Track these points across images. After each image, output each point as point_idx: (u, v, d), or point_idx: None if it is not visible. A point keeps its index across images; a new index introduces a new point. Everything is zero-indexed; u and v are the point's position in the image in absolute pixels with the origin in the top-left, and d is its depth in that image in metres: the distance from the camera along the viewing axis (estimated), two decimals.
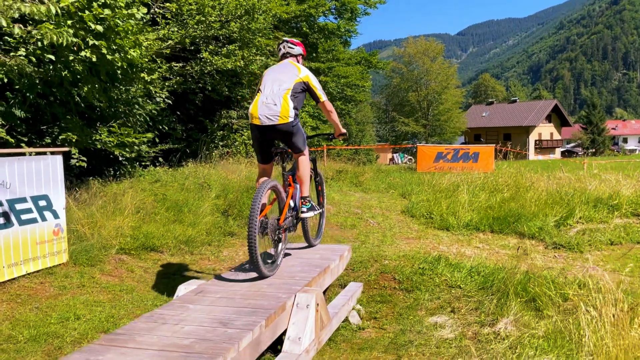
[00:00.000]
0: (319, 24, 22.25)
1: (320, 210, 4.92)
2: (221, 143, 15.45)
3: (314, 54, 22.65)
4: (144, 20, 9.05)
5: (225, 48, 13.49)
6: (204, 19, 13.06)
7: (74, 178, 8.99)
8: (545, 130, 59.45)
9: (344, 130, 4.90)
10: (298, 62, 4.67)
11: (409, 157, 46.24)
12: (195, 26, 13.19)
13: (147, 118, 11.51)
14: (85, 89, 7.19)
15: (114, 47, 7.02)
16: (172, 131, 15.01)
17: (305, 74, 4.44)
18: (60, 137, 7.22)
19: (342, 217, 8.24)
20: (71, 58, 6.75)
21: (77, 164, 7.15)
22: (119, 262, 5.44)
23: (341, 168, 16.63)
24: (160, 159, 13.89)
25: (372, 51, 28.36)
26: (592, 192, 8.63)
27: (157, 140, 13.81)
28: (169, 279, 5.35)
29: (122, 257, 5.57)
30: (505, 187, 9.25)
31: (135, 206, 7.12)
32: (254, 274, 4.07)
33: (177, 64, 13.72)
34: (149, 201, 7.67)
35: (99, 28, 6.55)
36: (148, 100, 11.44)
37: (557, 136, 61.08)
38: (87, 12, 6.36)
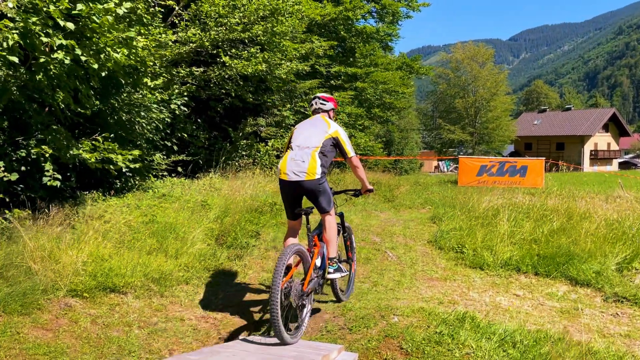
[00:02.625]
0: (357, 27, 21.08)
1: (347, 273, 4.79)
2: (244, 153, 14.51)
3: (351, 59, 21.51)
4: (143, 19, 8.16)
5: (245, 51, 12.54)
6: (225, 20, 12.18)
7: (70, 191, 8.21)
8: (602, 140, 56.11)
9: (370, 187, 5.02)
10: (330, 117, 4.76)
11: (455, 165, 44.40)
12: (216, 29, 12.32)
13: (161, 126, 10.70)
14: (62, 95, 6.30)
15: (94, 48, 6.09)
16: (194, 139, 14.21)
17: (334, 129, 4.52)
18: (32, 151, 6.34)
19: (357, 247, 7.05)
20: (42, 60, 5.85)
21: (49, 183, 6.23)
22: (63, 309, 4.44)
23: (375, 180, 15.39)
24: (180, 169, 13.10)
25: (414, 56, 26.97)
26: None
27: (175, 148, 13.02)
28: (121, 333, 4.31)
29: (71, 301, 4.57)
30: (555, 214, 7.83)
31: (115, 230, 6.18)
32: None
33: (197, 69, 12.88)
34: (135, 224, 6.72)
35: (70, 25, 5.62)
36: (162, 108, 10.62)
37: (614, 146, 57.57)
38: (52, 6, 5.45)
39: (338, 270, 4.48)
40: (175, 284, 5.32)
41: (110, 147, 6.75)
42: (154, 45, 7.62)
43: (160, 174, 12.21)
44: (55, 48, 5.81)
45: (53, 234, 5.23)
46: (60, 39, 5.58)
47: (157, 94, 9.22)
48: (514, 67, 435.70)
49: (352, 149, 4.62)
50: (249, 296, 5.33)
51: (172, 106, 11.32)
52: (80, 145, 6.72)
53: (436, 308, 4.79)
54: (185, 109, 11.81)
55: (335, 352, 3.79)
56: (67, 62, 5.80)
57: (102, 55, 6.36)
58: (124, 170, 9.36)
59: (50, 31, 5.59)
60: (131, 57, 7.23)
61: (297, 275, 4.33)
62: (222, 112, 15.00)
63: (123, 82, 8.65)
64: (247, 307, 5.06)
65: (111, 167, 7.01)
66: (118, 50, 6.44)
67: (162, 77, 8.96)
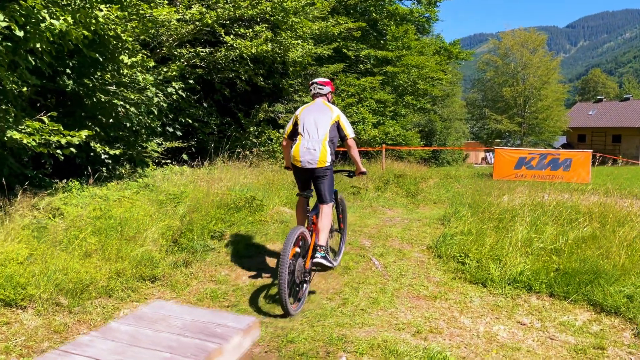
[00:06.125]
0: (389, 8, 19.73)
1: (333, 265, 4.83)
2: (255, 140, 13.60)
3: (382, 42, 20.19)
4: None
5: (251, 30, 11.57)
6: None
7: (47, 180, 7.55)
8: None
9: (364, 170, 5.37)
10: (328, 100, 5.20)
11: None
12: (222, 6, 11.41)
13: (155, 111, 9.92)
14: None
15: (21, 12, 5.22)
16: (202, 125, 13.42)
17: (336, 114, 4.96)
18: None
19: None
20: None
21: None
22: None
23: (400, 171, 14.16)
24: (185, 156, 12.36)
25: (453, 40, 25.31)
26: None
27: (178, 134, 12.29)
28: None
29: None
30: (587, 218, 6.50)
31: (55, 227, 5.34)
32: None
33: (203, 50, 12.03)
34: (86, 219, 5.86)
35: None
36: (157, 92, 9.82)
37: None
38: None
39: (325, 258, 4.65)
40: (94, 296, 4.40)
41: (56, 127, 5.86)
42: (116, 15, 6.68)
43: (164, 161, 11.45)
44: None
45: None
46: None
47: (138, 74, 8.34)
48: (570, 55, 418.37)
49: (351, 130, 5.01)
50: None
51: (170, 90, 10.51)
52: (22, 128, 5.87)
53: (404, 342, 3.67)
54: (183, 94, 10.97)
55: (237, 337, 2.65)
56: None
57: (42, 25, 5.50)
58: (103, 157, 8.62)
59: None
60: (91, 27, 6.36)
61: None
62: (234, 97, 14.14)
63: (101, 59, 7.87)
64: None
65: (58, 152, 6.15)
66: (60, 17, 5.56)
67: (140, 55, 8.05)
